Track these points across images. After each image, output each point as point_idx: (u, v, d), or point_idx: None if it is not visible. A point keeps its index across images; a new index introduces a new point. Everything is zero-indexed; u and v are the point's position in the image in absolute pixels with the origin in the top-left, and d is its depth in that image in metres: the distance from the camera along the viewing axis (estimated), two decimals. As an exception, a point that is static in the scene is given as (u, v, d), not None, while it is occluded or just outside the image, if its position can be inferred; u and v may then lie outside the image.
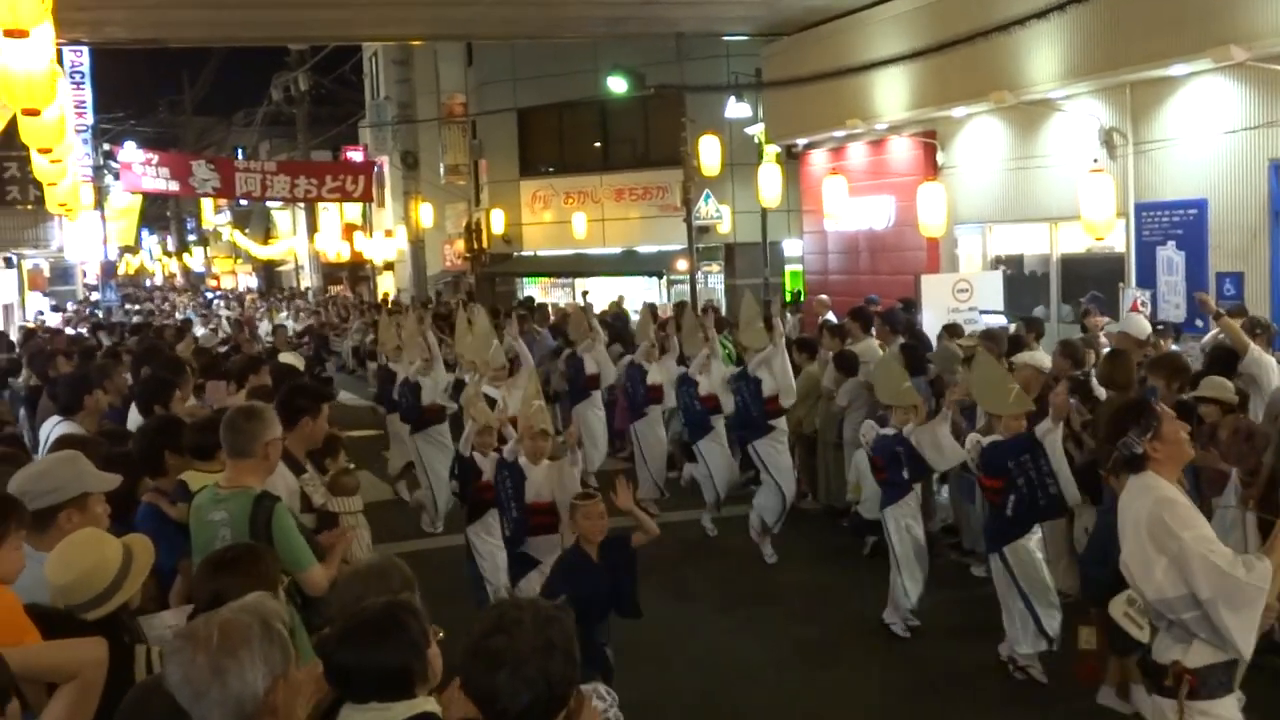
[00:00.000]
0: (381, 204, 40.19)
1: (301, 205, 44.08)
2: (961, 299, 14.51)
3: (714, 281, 29.00)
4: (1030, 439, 7.30)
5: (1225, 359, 8.20)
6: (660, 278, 29.23)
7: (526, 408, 8.10)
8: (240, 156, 46.58)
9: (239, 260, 64.90)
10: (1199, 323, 12.20)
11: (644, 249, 29.19)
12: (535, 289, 31.72)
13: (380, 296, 38.07)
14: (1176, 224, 13.62)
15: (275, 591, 3.90)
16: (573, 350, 14.23)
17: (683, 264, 25.27)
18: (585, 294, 21.74)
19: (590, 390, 13.72)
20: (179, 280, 69.76)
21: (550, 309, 23.59)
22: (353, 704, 3.23)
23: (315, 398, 6.20)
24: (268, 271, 60.91)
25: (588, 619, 5.91)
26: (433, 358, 12.30)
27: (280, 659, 2.92)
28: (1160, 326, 11.32)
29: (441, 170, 34.29)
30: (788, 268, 25.87)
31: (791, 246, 25.25)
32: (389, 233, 40.01)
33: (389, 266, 41.92)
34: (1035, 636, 7.48)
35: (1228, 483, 7.49)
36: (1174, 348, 9.92)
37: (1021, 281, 16.61)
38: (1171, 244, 13.64)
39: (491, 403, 9.76)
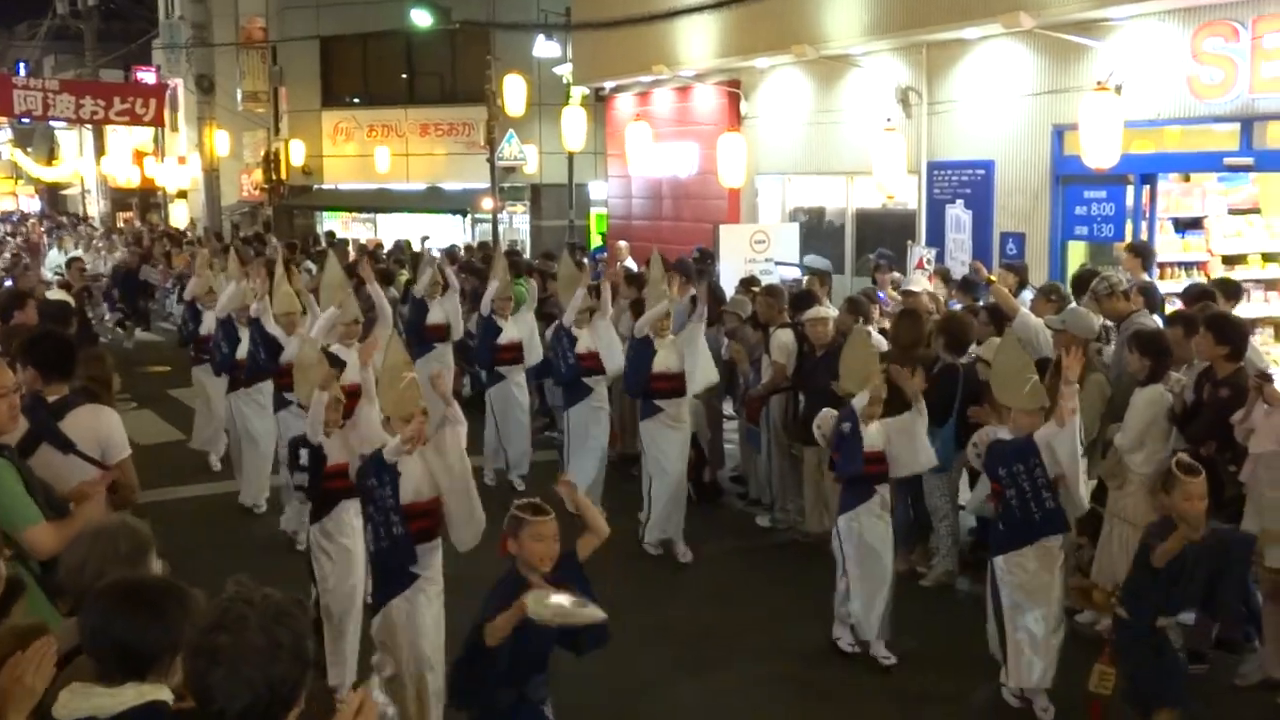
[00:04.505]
0: (175, 129, 38.49)
1: (88, 126, 41.84)
2: (758, 249, 14.69)
3: (519, 222, 28.77)
4: (1025, 445, 6.28)
5: (1001, 319, 8.47)
6: (465, 216, 28.84)
7: (395, 383, 6.15)
8: (22, 72, 43.92)
9: (19, 181, 61.29)
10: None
11: (449, 186, 28.70)
12: (336, 223, 30.91)
13: (173, 226, 36.50)
14: (965, 183, 14.03)
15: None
16: (412, 295, 12.56)
17: (488, 203, 24.96)
18: (425, 238, 20.91)
19: (435, 342, 12.07)
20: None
21: (350, 244, 23.03)
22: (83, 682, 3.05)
23: (68, 352, 5.81)
24: (51, 195, 57.76)
25: (525, 671, 4.78)
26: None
27: None
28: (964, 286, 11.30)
29: (239, 96, 32.98)
30: (594, 210, 25.81)
31: (598, 189, 25.18)
32: (182, 159, 38.34)
33: (182, 195, 40.23)
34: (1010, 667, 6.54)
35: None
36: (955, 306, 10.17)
37: (819, 234, 16.91)
38: (960, 203, 14.06)
39: (337, 363, 8.20)
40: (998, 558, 6.44)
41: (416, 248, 19.65)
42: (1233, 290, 8.99)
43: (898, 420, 7.14)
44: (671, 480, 9.22)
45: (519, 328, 11.27)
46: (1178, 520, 5.39)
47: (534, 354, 11.29)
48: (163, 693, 2.99)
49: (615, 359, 10.13)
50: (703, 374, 9.47)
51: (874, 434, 7.09)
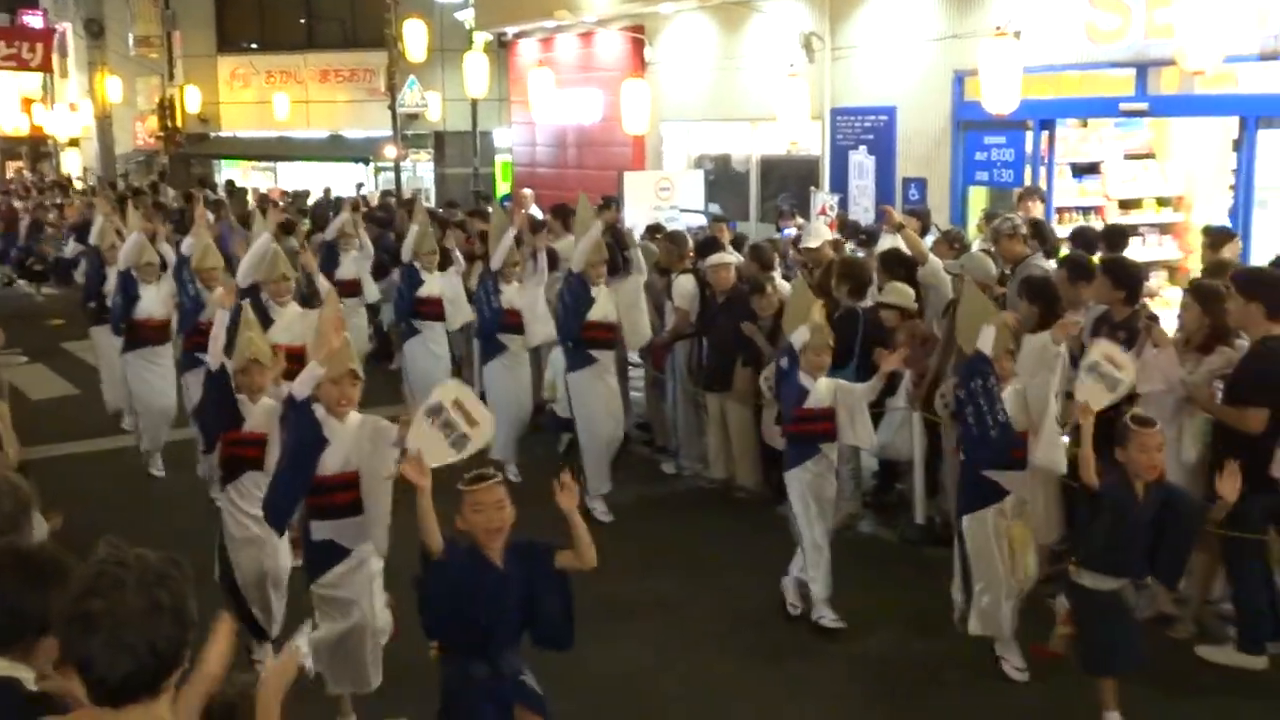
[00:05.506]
0: (64, 75, 37.32)
1: (-27, 73, 40.41)
2: (663, 197, 14.66)
3: (423, 170, 28.40)
4: (977, 358, 6.00)
5: (897, 264, 8.50)
6: (368, 164, 28.39)
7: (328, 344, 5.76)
8: (-100, 15, 42.22)
9: (-99, 130, 59.07)
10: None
11: (351, 134, 28.24)
12: (235, 172, 30.26)
13: (65, 174, 35.43)
14: (868, 129, 14.09)
15: None
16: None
17: (391, 151, 24.59)
18: (360, 185, 20.45)
19: (345, 298, 10.93)
20: None
21: (251, 194, 22.53)
22: None
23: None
24: (-65, 144, 55.78)
25: (497, 645, 4.57)
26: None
27: None
28: (864, 237, 11.29)
29: (131, 41, 32.00)
30: (499, 158, 25.53)
31: (502, 136, 24.91)
32: (73, 106, 37.20)
33: (74, 143, 39.08)
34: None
35: (900, 383, 7.84)
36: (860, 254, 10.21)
37: (724, 180, 16.89)
38: (863, 149, 14.13)
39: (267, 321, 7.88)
40: (968, 515, 6.16)
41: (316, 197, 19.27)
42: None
43: (850, 386, 6.84)
44: (607, 436, 9.02)
45: (443, 284, 10.64)
46: (1133, 474, 5.27)
47: (457, 315, 10.62)
48: (20, 671, 2.84)
49: (537, 330, 9.73)
50: (640, 331, 9.30)
51: (823, 391, 6.70)
